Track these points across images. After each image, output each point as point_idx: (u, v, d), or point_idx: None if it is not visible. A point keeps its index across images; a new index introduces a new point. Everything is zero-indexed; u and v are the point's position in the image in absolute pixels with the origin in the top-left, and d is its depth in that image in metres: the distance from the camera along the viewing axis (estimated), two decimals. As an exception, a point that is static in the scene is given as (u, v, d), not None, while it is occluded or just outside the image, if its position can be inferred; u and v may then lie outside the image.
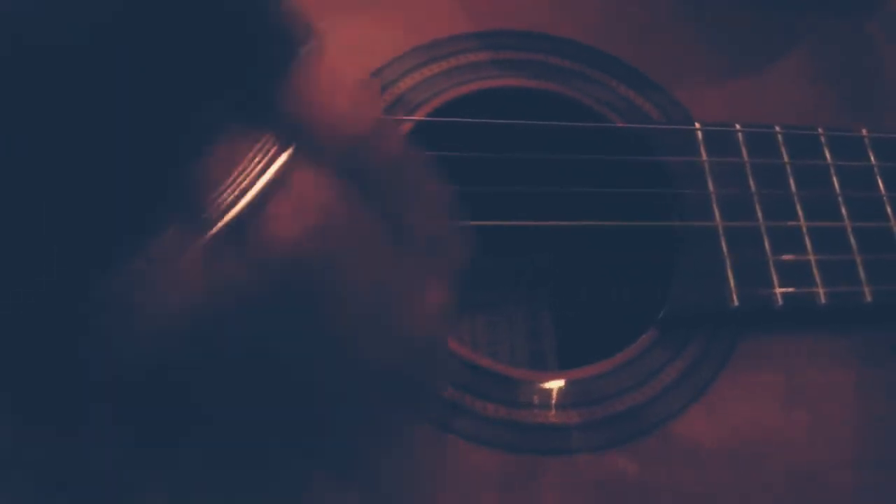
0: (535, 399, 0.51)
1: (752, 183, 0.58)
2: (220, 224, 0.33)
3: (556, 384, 0.52)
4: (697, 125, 0.60)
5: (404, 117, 0.57)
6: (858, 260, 0.58)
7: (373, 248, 0.36)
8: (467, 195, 0.54)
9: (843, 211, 0.59)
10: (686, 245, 0.56)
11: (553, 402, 0.51)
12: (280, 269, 0.34)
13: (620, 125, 0.60)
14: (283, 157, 0.34)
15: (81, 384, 0.35)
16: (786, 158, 0.60)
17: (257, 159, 0.34)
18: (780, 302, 0.55)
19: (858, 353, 0.56)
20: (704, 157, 0.59)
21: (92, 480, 0.38)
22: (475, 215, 0.53)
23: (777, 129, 0.61)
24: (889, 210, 0.60)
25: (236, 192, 0.33)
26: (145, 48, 0.32)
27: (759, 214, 0.57)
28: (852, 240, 0.58)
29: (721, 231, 0.56)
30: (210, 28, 0.33)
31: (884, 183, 0.61)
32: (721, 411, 0.53)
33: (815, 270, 0.56)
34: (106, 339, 0.33)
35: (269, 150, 0.34)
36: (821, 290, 0.56)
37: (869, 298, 0.57)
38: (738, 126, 0.60)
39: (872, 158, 0.61)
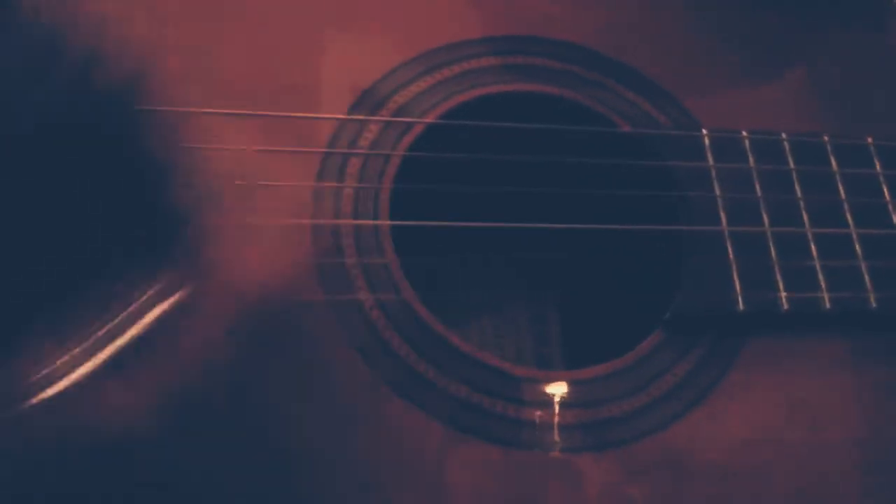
0: (539, 398, 0.51)
1: (758, 188, 0.59)
2: (102, 354, 0.34)
3: (559, 384, 0.52)
4: (704, 131, 0.60)
5: (413, 119, 0.57)
6: (863, 266, 0.58)
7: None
8: (476, 197, 0.55)
9: (849, 217, 0.59)
10: (693, 249, 0.56)
11: (556, 401, 0.52)
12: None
13: (629, 130, 0.60)
14: (176, 297, 0.35)
15: None
16: (791, 165, 0.60)
17: (150, 294, 0.35)
18: (786, 306, 0.56)
19: (862, 358, 0.56)
20: (711, 162, 0.59)
21: None
22: (484, 216, 0.54)
23: (783, 136, 0.61)
24: (894, 217, 0.60)
25: (124, 323, 0.35)
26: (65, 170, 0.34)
27: (765, 220, 0.58)
28: (857, 246, 0.58)
29: (727, 235, 0.57)
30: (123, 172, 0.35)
31: (889, 190, 0.61)
32: (724, 414, 0.53)
33: (820, 276, 0.57)
34: None
35: (164, 289, 0.35)
36: (825, 296, 0.56)
37: (874, 305, 0.57)
38: (744, 132, 0.60)
39: (878, 166, 0.62)
